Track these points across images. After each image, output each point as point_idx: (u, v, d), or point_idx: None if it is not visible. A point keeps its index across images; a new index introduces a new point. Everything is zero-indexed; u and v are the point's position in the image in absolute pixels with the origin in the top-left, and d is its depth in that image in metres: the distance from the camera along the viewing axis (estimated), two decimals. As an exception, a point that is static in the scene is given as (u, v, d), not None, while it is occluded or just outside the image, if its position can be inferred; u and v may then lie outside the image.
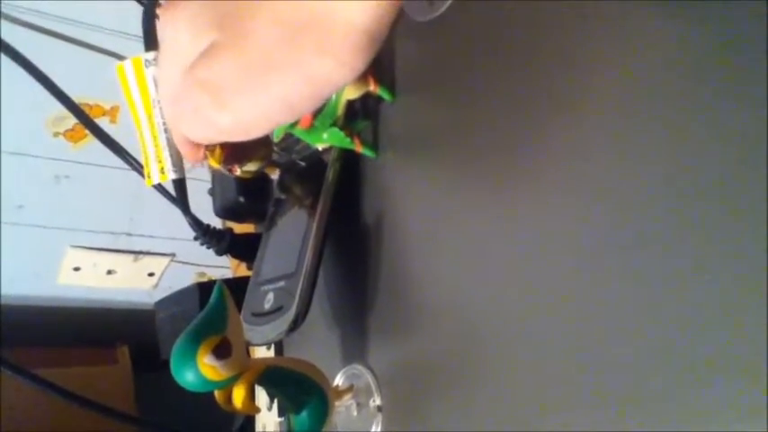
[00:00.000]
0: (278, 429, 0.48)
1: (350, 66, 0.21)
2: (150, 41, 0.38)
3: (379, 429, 0.35)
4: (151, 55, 0.37)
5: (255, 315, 0.39)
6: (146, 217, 1.45)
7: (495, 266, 0.29)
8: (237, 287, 0.39)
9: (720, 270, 0.19)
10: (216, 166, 0.33)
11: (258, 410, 0.32)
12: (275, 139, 0.39)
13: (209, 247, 0.48)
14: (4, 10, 1.07)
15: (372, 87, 0.36)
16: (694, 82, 0.21)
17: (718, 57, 0.21)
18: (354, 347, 0.39)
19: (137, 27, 0.43)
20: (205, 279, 1.51)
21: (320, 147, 0.38)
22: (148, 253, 1.53)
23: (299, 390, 0.33)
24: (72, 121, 1.28)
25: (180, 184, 0.42)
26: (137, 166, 0.44)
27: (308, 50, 0.21)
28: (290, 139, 0.40)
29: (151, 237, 1.51)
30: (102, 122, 1.27)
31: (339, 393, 0.37)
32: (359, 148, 0.37)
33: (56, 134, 1.30)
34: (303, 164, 0.42)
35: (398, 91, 0.37)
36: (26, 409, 1.16)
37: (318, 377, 0.33)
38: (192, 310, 0.52)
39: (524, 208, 0.27)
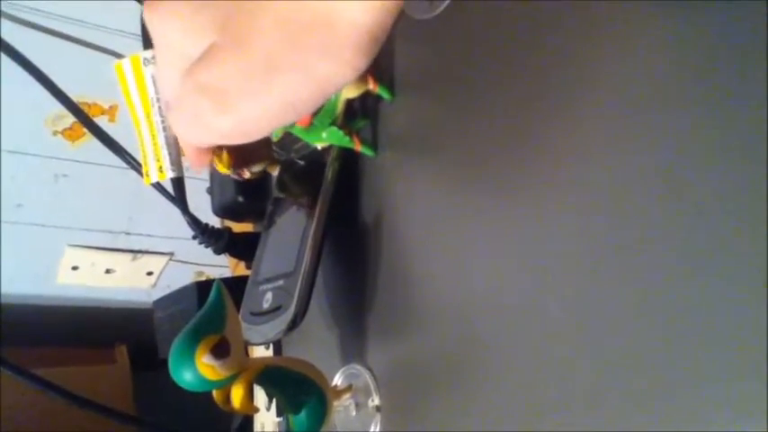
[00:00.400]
0: (276, 429, 0.48)
1: (353, 66, 0.21)
2: (148, 40, 0.38)
3: (377, 429, 0.35)
4: (149, 53, 0.37)
5: (254, 314, 0.39)
6: (144, 216, 1.45)
7: (494, 266, 0.28)
8: (236, 286, 0.39)
9: (720, 270, 0.19)
10: (225, 171, 0.33)
11: (257, 410, 0.32)
12: (274, 139, 0.39)
13: (207, 246, 0.48)
14: (3, 9, 1.07)
15: (372, 86, 0.36)
16: (694, 82, 0.21)
17: (719, 56, 0.21)
18: (353, 347, 0.39)
19: (135, 26, 0.43)
20: (203, 278, 1.51)
21: (319, 146, 0.38)
22: (147, 252, 1.53)
23: (297, 389, 0.33)
24: (71, 119, 1.28)
25: (178, 182, 0.42)
26: (135, 165, 0.44)
27: (311, 51, 0.21)
28: (288, 138, 0.40)
29: (150, 236, 1.50)
30: (101, 121, 1.27)
31: (338, 393, 0.36)
32: (358, 147, 0.37)
33: (55, 133, 1.30)
34: (302, 163, 0.42)
35: (398, 90, 0.37)
36: (25, 408, 1.16)
37: (317, 377, 0.33)
38: (191, 309, 0.52)
39: (524, 207, 0.27)
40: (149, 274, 1.58)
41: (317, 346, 0.42)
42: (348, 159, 0.39)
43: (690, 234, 0.20)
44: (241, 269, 0.57)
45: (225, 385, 0.29)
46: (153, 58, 0.36)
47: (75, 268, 1.49)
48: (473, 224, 0.30)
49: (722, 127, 0.20)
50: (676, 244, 0.21)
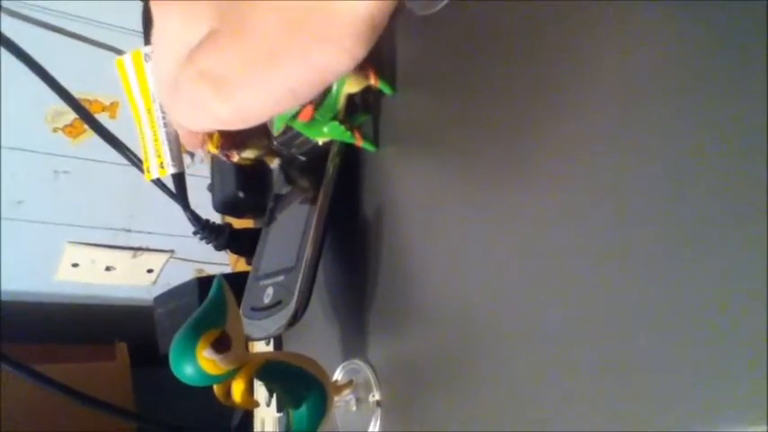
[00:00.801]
0: (277, 424, 0.48)
1: (351, 53, 0.21)
2: (150, 36, 0.38)
3: (378, 424, 0.35)
4: (151, 49, 0.37)
5: (255, 309, 0.39)
6: (145, 213, 1.45)
7: (495, 262, 0.28)
8: (237, 282, 0.39)
9: (720, 269, 0.19)
10: (213, 151, 0.33)
11: (257, 405, 0.32)
12: (275, 133, 0.38)
13: (208, 242, 0.48)
14: (4, 4, 1.07)
15: (373, 81, 0.36)
16: (694, 80, 0.21)
17: (719, 56, 0.21)
18: (354, 342, 0.39)
19: (136, 22, 0.43)
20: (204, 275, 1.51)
21: (320, 141, 0.38)
22: (147, 249, 1.53)
23: (298, 384, 0.33)
24: (71, 116, 1.28)
25: (179, 178, 0.42)
26: (136, 162, 0.44)
27: (310, 38, 0.21)
28: (289, 134, 0.40)
29: (150, 233, 1.51)
30: (102, 118, 1.27)
31: (338, 388, 0.36)
32: (359, 143, 0.37)
33: (55, 129, 1.30)
34: (303, 158, 0.42)
35: (399, 85, 0.37)
36: (26, 405, 1.16)
37: (318, 372, 0.33)
38: (192, 304, 0.52)
39: (524, 203, 0.27)
40: (150, 271, 1.58)
41: (317, 342, 0.42)
42: (349, 155, 0.39)
43: (690, 233, 0.20)
44: (242, 267, 0.57)
45: (225, 380, 0.29)
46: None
47: (75, 265, 1.49)
48: (474, 220, 0.30)
49: (723, 125, 0.20)
50: (676, 242, 0.21)
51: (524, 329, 0.26)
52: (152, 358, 0.63)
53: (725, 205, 0.20)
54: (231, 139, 0.34)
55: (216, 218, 0.51)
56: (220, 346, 0.28)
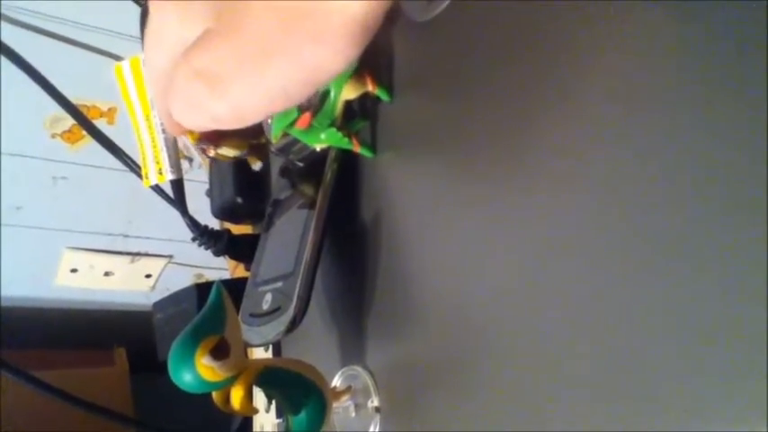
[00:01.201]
0: (276, 431, 0.48)
1: (344, 54, 0.21)
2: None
3: (376, 430, 0.35)
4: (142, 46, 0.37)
5: (253, 316, 0.39)
6: (143, 219, 1.45)
7: (494, 266, 0.29)
8: (235, 288, 0.39)
9: (721, 268, 0.19)
10: (192, 142, 0.34)
11: (256, 411, 0.32)
12: (273, 140, 0.39)
13: (206, 248, 0.48)
14: (2, 11, 1.07)
15: (371, 87, 0.36)
16: (694, 80, 0.21)
17: (719, 56, 0.21)
18: (352, 348, 0.39)
19: (135, 28, 0.43)
20: (203, 281, 1.51)
21: (318, 147, 0.38)
22: (146, 254, 1.53)
23: (297, 391, 0.33)
24: (69, 122, 1.28)
25: (178, 184, 0.42)
26: (134, 168, 0.44)
27: (303, 38, 0.21)
28: (287, 140, 0.40)
29: (148, 238, 1.50)
30: (100, 124, 1.27)
31: (337, 394, 0.36)
32: (357, 149, 0.37)
33: (53, 135, 1.30)
34: (301, 165, 0.42)
35: (396, 91, 0.37)
36: (24, 411, 1.16)
37: (317, 378, 0.33)
38: (190, 310, 0.52)
39: (523, 207, 0.27)
40: (148, 276, 1.58)
41: (316, 348, 0.42)
42: (347, 160, 0.40)
43: (690, 233, 0.20)
44: (240, 272, 0.57)
45: (224, 386, 0.29)
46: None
47: (73, 271, 1.49)
48: (473, 224, 0.30)
49: (723, 125, 0.20)
50: (676, 242, 0.21)
51: (523, 332, 0.26)
52: (151, 364, 0.63)
53: (725, 205, 0.20)
54: (209, 133, 0.35)
55: (214, 223, 0.51)
56: (219, 352, 0.28)
